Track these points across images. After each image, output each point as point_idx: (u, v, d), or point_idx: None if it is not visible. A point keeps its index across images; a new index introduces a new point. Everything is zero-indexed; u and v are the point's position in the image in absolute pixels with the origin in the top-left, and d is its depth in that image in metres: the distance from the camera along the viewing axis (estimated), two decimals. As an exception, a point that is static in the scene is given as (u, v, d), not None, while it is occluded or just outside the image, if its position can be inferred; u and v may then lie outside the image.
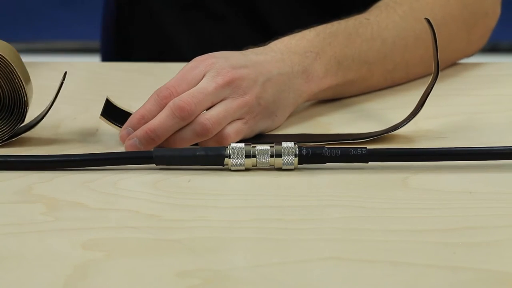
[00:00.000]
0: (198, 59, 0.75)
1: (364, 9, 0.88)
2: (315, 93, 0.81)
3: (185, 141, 0.72)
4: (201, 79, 0.73)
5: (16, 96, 0.73)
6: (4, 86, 0.72)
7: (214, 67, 0.74)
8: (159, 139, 0.71)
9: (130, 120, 0.73)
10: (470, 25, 0.92)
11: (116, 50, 1.16)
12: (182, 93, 0.72)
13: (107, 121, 0.74)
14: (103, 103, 0.75)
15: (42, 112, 0.75)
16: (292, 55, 0.78)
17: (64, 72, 0.74)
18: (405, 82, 0.90)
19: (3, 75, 0.72)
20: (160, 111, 0.72)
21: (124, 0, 1.12)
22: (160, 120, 0.71)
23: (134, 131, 0.72)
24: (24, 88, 0.72)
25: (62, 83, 0.74)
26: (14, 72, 0.72)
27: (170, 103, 0.71)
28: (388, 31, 0.85)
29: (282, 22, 1.05)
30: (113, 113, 0.75)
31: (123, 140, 0.72)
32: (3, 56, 0.72)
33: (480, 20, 0.93)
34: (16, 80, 0.72)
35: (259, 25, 1.06)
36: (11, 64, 0.72)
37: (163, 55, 1.09)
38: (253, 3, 1.06)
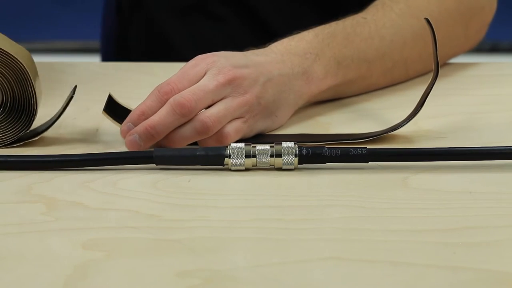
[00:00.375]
0: (199, 57, 0.75)
1: (360, 9, 0.88)
2: (315, 94, 0.81)
3: (185, 139, 0.72)
4: (202, 77, 0.74)
5: (26, 102, 0.73)
6: (16, 90, 0.72)
7: (216, 65, 0.74)
8: (159, 136, 0.72)
9: (130, 116, 0.73)
10: (467, 20, 0.92)
11: (116, 51, 1.16)
12: (183, 90, 0.72)
13: (108, 117, 0.74)
14: (106, 99, 0.75)
15: (47, 121, 0.75)
16: (292, 57, 0.78)
17: (74, 86, 0.74)
18: (405, 80, 0.90)
19: (17, 80, 0.72)
20: (161, 107, 0.72)
21: (125, 5, 1.12)
22: (160, 116, 0.71)
23: (135, 126, 0.72)
24: (35, 96, 0.72)
25: (71, 97, 0.74)
26: (28, 79, 0.72)
27: (171, 100, 0.72)
28: (386, 29, 0.85)
29: (282, 23, 1.05)
30: (115, 109, 0.75)
31: (123, 135, 0.73)
32: (21, 63, 0.72)
33: (476, 14, 0.93)
34: (29, 88, 0.72)
35: (259, 26, 1.06)
36: (27, 72, 0.72)
37: (163, 57, 1.09)
38: (253, 5, 1.06)
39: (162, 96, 0.72)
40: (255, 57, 0.77)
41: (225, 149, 0.69)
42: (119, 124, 0.74)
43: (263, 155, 0.69)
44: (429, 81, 0.75)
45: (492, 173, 0.69)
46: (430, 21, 0.74)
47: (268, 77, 0.76)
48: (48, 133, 0.76)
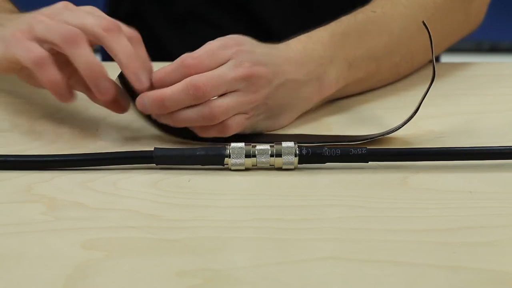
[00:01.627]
0: (229, 41, 0.75)
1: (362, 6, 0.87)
2: (324, 98, 0.81)
3: (189, 121, 0.72)
4: (225, 62, 0.74)
5: None
6: None
7: (239, 57, 0.74)
8: (166, 109, 0.72)
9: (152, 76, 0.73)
10: (467, 3, 0.92)
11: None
12: (206, 67, 0.73)
13: (120, 85, 0.75)
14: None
15: None
16: (310, 61, 0.78)
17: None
18: (410, 72, 0.90)
19: None
20: (179, 77, 0.72)
21: (121, 13, 1.12)
22: (173, 91, 0.72)
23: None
24: None
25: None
26: None
27: (188, 79, 0.72)
28: (395, 23, 0.85)
29: (281, 25, 1.05)
30: (126, 83, 0.75)
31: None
32: None
33: None
34: None
35: (257, 30, 1.05)
36: None
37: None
38: (249, 8, 1.06)
39: (184, 68, 0.73)
40: (276, 57, 0.77)
41: (225, 149, 0.69)
42: (128, 96, 0.74)
43: (263, 155, 0.69)
44: (428, 85, 0.74)
45: (492, 173, 0.69)
46: (430, 22, 0.74)
47: (281, 80, 0.76)
48: (49, 133, 0.76)
